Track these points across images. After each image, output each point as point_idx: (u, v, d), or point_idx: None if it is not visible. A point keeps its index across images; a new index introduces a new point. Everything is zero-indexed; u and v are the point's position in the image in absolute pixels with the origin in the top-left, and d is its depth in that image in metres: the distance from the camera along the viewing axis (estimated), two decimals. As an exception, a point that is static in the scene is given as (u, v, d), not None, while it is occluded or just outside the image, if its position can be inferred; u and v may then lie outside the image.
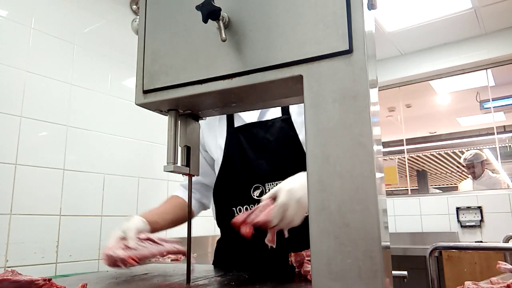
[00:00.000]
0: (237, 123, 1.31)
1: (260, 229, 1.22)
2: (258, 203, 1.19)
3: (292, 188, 0.90)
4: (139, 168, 2.60)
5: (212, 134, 1.37)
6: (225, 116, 1.33)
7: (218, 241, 1.40)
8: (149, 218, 1.16)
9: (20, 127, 2.04)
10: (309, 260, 0.87)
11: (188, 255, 0.86)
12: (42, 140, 2.13)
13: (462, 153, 5.77)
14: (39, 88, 2.14)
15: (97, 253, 2.30)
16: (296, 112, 1.26)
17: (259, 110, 1.30)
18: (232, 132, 1.30)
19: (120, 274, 1.04)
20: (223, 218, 1.29)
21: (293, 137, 1.23)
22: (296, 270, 0.96)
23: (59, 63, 2.26)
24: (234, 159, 1.27)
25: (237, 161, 1.26)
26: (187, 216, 1.21)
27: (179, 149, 0.82)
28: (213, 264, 1.37)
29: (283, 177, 1.19)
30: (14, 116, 2.02)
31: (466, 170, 4.49)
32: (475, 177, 4.24)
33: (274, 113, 1.29)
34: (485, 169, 4.23)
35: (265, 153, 1.24)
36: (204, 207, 1.44)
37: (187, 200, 1.28)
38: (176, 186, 1.48)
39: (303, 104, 1.31)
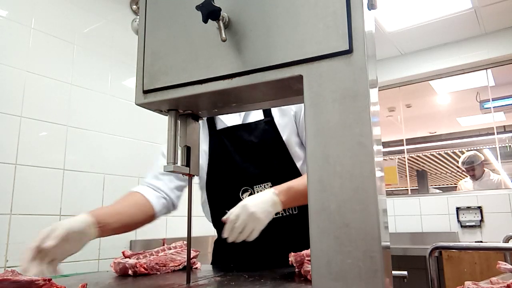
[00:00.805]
0: (219, 126, 1.30)
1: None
2: None
3: (246, 204, 1.01)
4: (139, 168, 2.60)
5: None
6: (205, 119, 1.32)
7: (215, 242, 1.40)
8: (99, 218, 1.00)
9: (20, 127, 2.04)
10: (309, 260, 0.88)
11: (188, 255, 0.86)
12: (42, 140, 2.13)
13: (462, 153, 5.75)
14: (39, 88, 2.14)
15: (97, 253, 2.30)
16: (278, 114, 1.28)
17: (243, 113, 1.31)
18: (215, 135, 1.29)
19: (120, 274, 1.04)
20: (218, 219, 1.28)
21: (276, 138, 1.25)
22: (296, 270, 0.96)
23: (59, 63, 2.26)
24: (220, 163, 1.27)
25: (224, 165, 1.26)
26: (146, 218, 1.21)
27: (179, 149, 0.82)
28: (211, 264, 1.38)
29: (270, 179, 1.19)
30: (14, 116, 2.02)
31: (465, 173, 4.47)
32: (475, 178, 4.22)
33: (257, 115, 1.30)
34: (485, 170, 4.21)
35: (251, 156, 1.25)
36: (173, 207, 1.31)
37: (147, 197, 1.22)
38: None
39: (284, 106, 1.32)
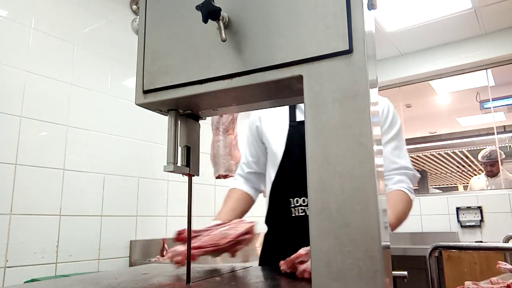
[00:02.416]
0: (299, 118, 1.38)
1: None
2: None
3: None
4: (139, 168, 2.60)
5: (272, 126, 1.42)
6: (286, 109, 1.40)
7: (265, 236, 1.43)
8: (223, 219, 1.23)
9: (20, 127, 2.04)
10: (300, 262, 0.88)
11: (188, 254, 0.86)
12: (42, 140, 2.13)
13: (462, 153, 5.76)
14: (39, 88, 2.14)
15: (97, 253, 2.30)
16: None
17: None
18: (295, 126, 1.36)
19: (120, 274, 1.04)
20: (277, 210, 1.34)
21: None
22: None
23: (59, 63, 2.26)
24: (295, 151, 1.33)
25: (297, 154, 1.31)
26: (249, 207, 1.45)
27: (179, 149, 0.82)
28: (260, 259, 1.41)
29: None
30: (14, 116, 2.02)
31: (483, 168, 4.39)
32: (492, 175, 4.16)
33: None
34: (502, 169, 4.16)
35: None
36: (260, 191, 1.54)
37: (246, 191, 1.47)
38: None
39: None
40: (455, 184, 9.13)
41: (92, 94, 2.41)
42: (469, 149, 5.75)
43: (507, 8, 3.33)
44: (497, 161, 4.13)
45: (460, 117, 5.54)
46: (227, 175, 2.27)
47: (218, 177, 2.29)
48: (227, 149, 2.26)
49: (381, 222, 0.52)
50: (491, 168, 4.16)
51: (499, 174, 4.12)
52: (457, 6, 3.30)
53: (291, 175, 1.30)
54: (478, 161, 4.36)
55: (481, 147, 5.28)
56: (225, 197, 1.45)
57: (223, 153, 2.25)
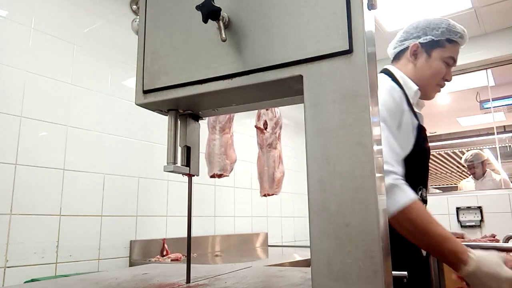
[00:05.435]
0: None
1: None
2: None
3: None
4: (139, 168, 2.60)
5: (408, 118, 1.39)
6: (408, 107, 1.40)
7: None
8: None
9: (20, 127, 2.04)
10: None
11: (188, 255, 0.86)
12: (42, 140, 2.13)
13: (462, 153, 5.76)
14: (39, 88, 2.14)
15: (97, 253, 2.30)
16: None
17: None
18: (419, 128, 1.40)
19: (120, 274, 1.04)
20: None
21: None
22: None
23: (59, 63, 2.26)
24: (420, 154, 1.37)
25: (421, 156, 1.38)
26: None
27: (179, 149, 0.82)
28: None
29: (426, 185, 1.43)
30: (14, 116, 2.02)
31: (467, 171, 4.47)
32: (476, 177, 4.22)
33: None
34: (487, 170, 4.21)
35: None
36: None
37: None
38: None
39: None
40: (455, 184, 9.13)
41: (92, 94, 2.41)
42: (469, 149, 5.74)
43: (507, 8, 3.33)
44: (481, 163, 4.17)
45: (460, 117, 5.54)
46: (222, 174, 2.22)
47: (212, 176, 2.24)
48: (223, 148, 2.21)
49: (381, 222, 0.52)
50: (474, 170, 4.21)
51: (485, 175, 4.15)
52: (457, 6, 3.31)
53: (411, 178, 1.27)
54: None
55: (481, 147, 5.28)
56: (426, 214, 1.26)
57: (218, 152, 2.20)
